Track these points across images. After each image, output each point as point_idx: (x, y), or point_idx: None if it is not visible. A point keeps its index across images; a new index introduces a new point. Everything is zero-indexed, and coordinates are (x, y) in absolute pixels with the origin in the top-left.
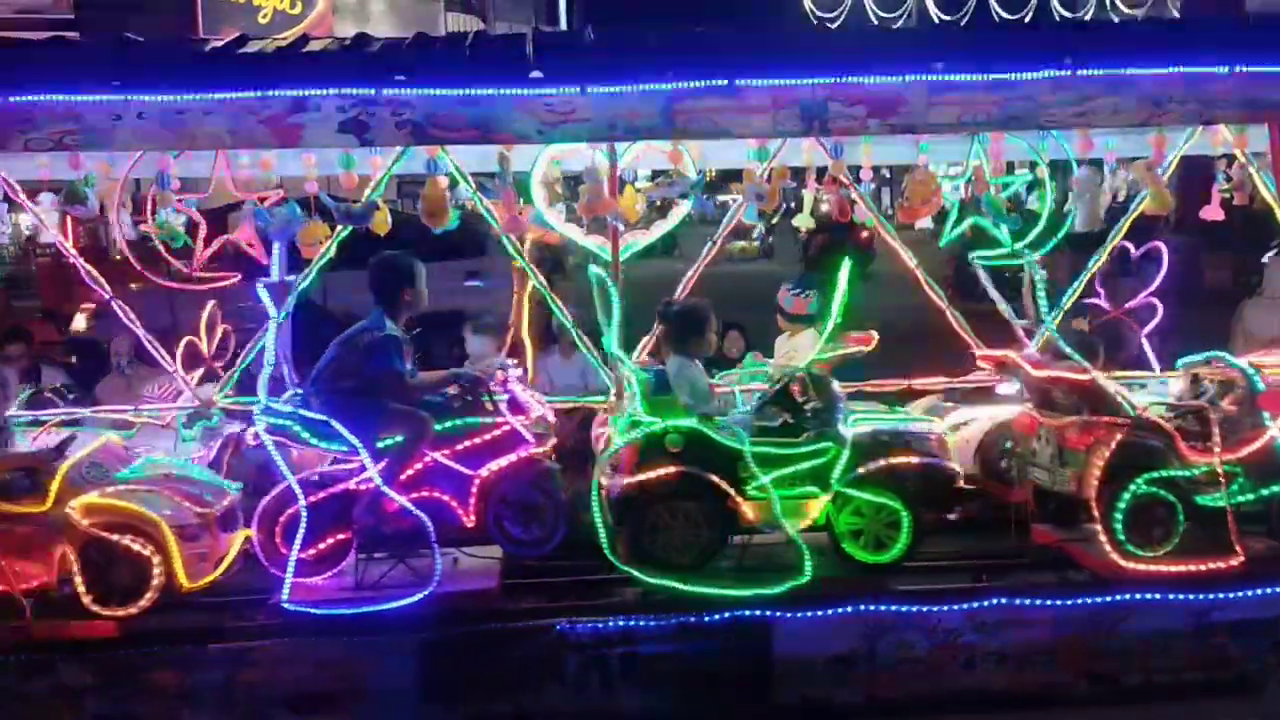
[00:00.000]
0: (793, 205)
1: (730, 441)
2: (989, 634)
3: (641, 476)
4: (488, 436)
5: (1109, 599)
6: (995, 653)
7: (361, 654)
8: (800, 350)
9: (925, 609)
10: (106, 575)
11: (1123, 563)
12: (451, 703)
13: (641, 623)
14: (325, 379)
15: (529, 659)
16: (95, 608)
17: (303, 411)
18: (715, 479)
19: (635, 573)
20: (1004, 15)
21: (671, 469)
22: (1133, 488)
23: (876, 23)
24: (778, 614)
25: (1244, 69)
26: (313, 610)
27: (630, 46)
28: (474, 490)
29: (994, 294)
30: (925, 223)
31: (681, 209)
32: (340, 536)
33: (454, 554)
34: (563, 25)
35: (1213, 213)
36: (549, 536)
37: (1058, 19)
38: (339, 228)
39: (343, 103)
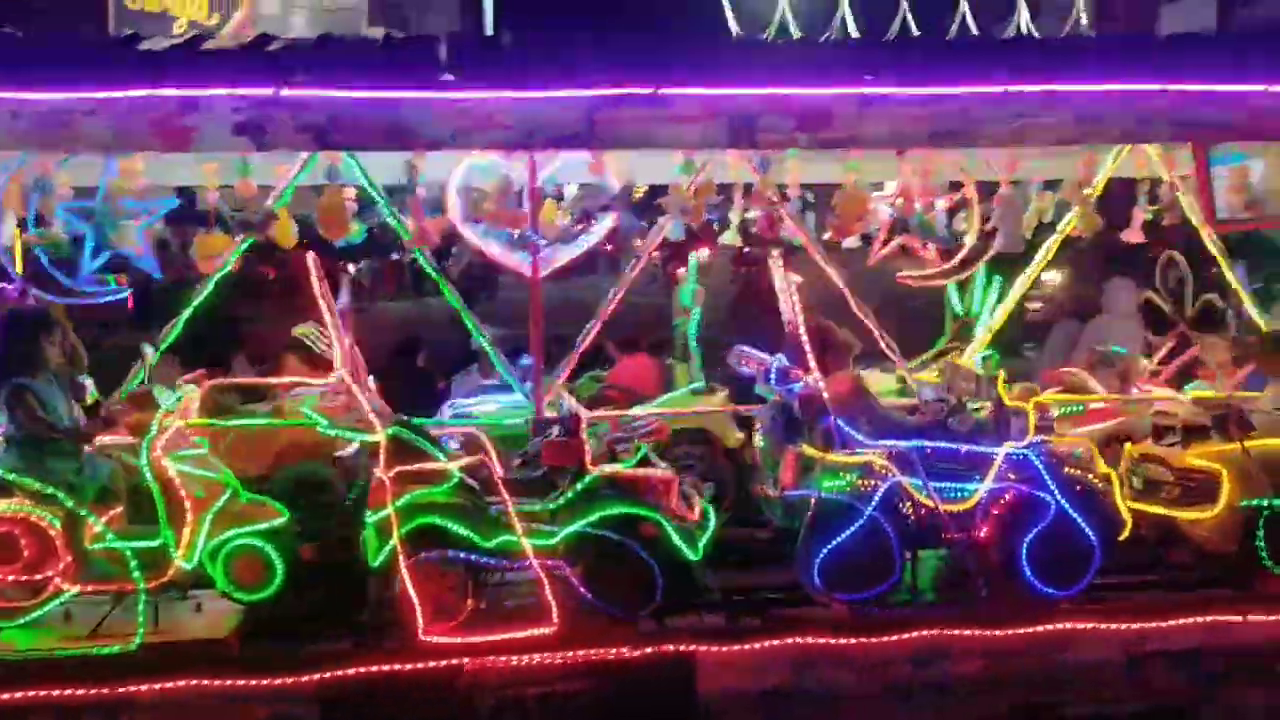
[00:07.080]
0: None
1: None
2: None
3: None
4: None
5: None
6: None
7: None
8: None
9: None
10: None
11: None
12: None
13: None
14: None
15: None
16: None
17: None
18: None
19: None
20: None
21: None
22: None
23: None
24: None
25: (1176, 88)
26: None
27: (551, 51)
28: None
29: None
30: (852, 241)
31: (605, 223)
32: None
33: None
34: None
35: (1134, 235)
36: None
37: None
38: (239, 239)
39: (238, 104)
